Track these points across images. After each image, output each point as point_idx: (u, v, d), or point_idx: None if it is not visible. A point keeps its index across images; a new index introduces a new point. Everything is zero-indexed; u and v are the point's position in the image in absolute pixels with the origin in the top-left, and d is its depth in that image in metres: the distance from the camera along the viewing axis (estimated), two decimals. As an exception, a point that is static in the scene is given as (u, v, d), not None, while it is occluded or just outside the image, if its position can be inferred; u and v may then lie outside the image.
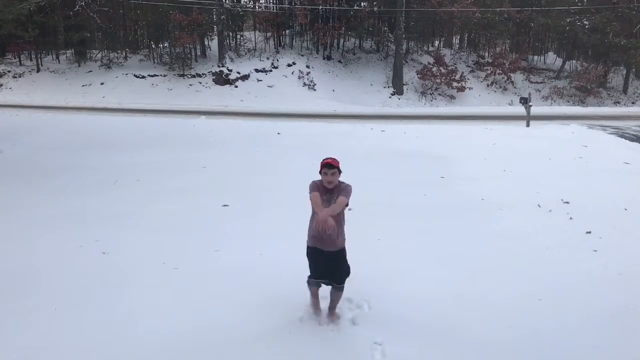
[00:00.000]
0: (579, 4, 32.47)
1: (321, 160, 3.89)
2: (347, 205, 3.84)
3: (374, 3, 30.59)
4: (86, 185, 8.64)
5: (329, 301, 4.21)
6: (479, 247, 5.86)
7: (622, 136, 14.77)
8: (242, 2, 33.65)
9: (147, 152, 11.62)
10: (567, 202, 7.55)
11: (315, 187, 3.92)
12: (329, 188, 3.87)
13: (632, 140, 14.06)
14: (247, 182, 8.92)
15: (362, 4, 30.15)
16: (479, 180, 8.96)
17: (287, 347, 3.86)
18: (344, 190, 3.84)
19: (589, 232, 6.30)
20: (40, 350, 3.80)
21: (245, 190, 8.31)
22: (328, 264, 3.99)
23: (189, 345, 3.87)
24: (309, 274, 4.15)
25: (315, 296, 4.26)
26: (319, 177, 3.93)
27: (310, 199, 3.87)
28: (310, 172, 9.32)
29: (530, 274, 5.14)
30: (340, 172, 3.87)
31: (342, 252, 4.01)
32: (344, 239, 4.01)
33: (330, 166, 3.81)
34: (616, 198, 7.82)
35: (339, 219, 3.89)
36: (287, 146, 12.39)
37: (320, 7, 28.39)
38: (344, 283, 4.08)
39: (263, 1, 34.86)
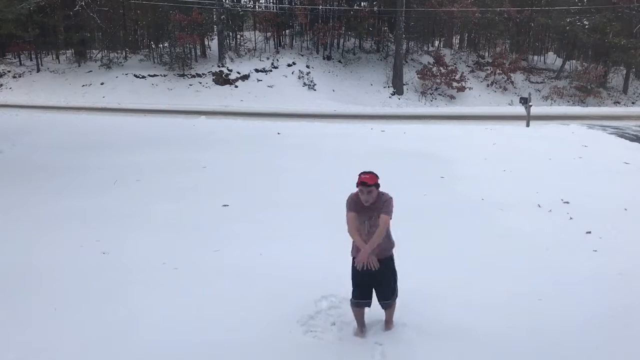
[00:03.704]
0: (579, 4, 32.46)
1: (358, 173, 3.64)
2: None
3: (374, 3, 30.58)
4: (86, 185, 8.64)
5: (384, 319, 4.08)
6: (479, 247, 5.86)
7: (622, 136, 14.76)
8: (242, 2, 33.65)
9: (147, 152, 11.61)
10: (567, 202, 7.55)
11: (353, 204, 3.66)
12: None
13: (632, 140, 14.05)
14: (247, 182, 8.92)
15: (362, 4, 30.13)
16: (479, 180, 8.95)
17: (287, 347, 3.86)
18: (385, 205, 3.60)
19: (589, 232, 6.30)
20: (40, 350, 3.80)
21: (245, 190, 8.30)
22: (374, 275, 3.72)
23: (188, 345, 3.87)
24: (352, 296, 3.87)
25: (361, 324, 4.01)
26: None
27: (347, 223, 3.67)
28: (309, 172, 9.35)
29: (530, 274, 5.14)
30: (378, 186, 3.63)
31: (389, 260, 3.83)
32: (391, 245, 3.85)
33: (365, 184, 3.53)
34: (616, 198, 7.82)
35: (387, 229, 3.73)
36: (287, 146, 12.38)
37: (320, 7, 28.39)
38: (393, 297, 3.91)
39: (263, 1, 34.89)
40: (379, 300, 3.92)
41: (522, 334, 4.03)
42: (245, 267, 5.25)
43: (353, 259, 3.83)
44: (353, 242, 3.79)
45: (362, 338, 3.98)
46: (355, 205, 3.66)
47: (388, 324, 4.08)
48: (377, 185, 3.62)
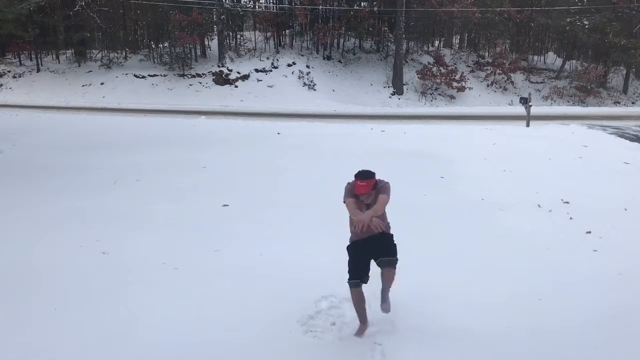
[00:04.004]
0: (579, 4, 32.45)
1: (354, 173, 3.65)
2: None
3: (374, 3, 30.58)
4: (86, 185, 8.64)
5: (381, 288, 3.99)
6: (479, 247, 5.86)
7: (622, 136, 14.76)
8: (242, 2, 33.65)
9: (147, 152, 11.61)
10: (567, 202, 7.55)
11: (351, 191, 3.68)
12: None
13: (632, 140, 14.05)
14: (247, 182, 8.92)
15: (362, 4, 30.13)
16: (479, 180, 8.95)
17: (287, 347, 3.86)
18: (382, 188, 3.63)
19: (589, 232, 6.30)
20: (40, 350, 3.80)
21: (245, 190, 8.30)
22: (373, 246, 3.75)
23: (188, 345, 3.87)
24: (349, 277, 3.85)
25: (361, 308, 3.94)
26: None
27: (347, 208, 3.68)
28: (309, 172, 9.34)
29: (530, 274, 5.14)
30: (375, 184, 3.62)
31: (388, 234, 3.82)
32: (388, 226, 3.87)
33: (364, 194, 3.59)
34: (616, 198, 7.82)
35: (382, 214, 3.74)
36: (287, 146, 12.38)
37: (320, 7, 28.40)
38: (395, 256, 3.82)
39: (263, 1, 34.88)
40: (381, 258, 3.82)
41: (522, 334, 4.03)
42: (245, 267, 5.25)
43: (348, 245, 3.89)
44: (351, 232, 3.83)
45: (361, 338, 3.96)
46: (353, 194, 3.69)
47: (385, 301, 4.00)
48: (375, 185, 3.63)
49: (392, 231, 3.95)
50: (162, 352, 3.80)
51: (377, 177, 3.68)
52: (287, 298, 4.49)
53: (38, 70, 29.71)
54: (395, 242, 3.90)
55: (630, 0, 28.32)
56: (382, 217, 3.77)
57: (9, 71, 29.49)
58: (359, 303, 3.93)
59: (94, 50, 31.32)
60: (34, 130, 15.05)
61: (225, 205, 7.43)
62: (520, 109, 18.68)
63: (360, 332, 4.01)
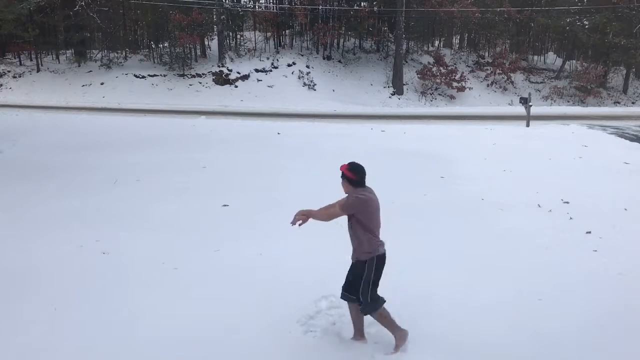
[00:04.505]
0: (579, 4, 32.46)
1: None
2: (353, 214, 3.59)
3: (374, 3, 30.56)
4: (86, 185, 8.64)
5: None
6: (479, 247, 5.86)
7: (622, 136, 14.77)
8: (242, 2, 33.64)
9: (147, 152, 11.62)
10: (567, 202, 7.55)
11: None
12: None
13: (632, 140, 14.05)
14: (247, 182, 8.93)
15: (362, 4, 30.10)
16: (479, 180, 8.96)
17: (287, 347, 3.86)
18: (344, 199, 3.67)
19: (589, 232, 6.30)
20: (40, 350, 3.81)
21: (245, 190, 8.31)
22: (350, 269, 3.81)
23: (188, 345, 3.87)
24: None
25: (355, 328, 3.94)
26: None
27: None
28: (309, 172, 9.34)
29: (530, 274, 5.14)
30: (348, 180, 3.68)
31: (355, 264, 3.70)
32: (361, 252, 3.65)
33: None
34: (616, 198, 7.82)
35: (354, 231, 3.65)
36: (287, 146, 12.39)
37: (320, 7, 28.40)
38: (349, 293, 3.73)
39: (263, 1, 34.89)
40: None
41: (522, 333, 4.03)
42: (245, 267, 5.25)
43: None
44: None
45: (358, 341, 3.92)
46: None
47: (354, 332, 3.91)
48: (348, 179, 3.69)
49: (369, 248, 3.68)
50: (162, 352, 3.80)
51: (368, 186, 3.74)
52: (287, 298, 4.49)
53: (38, 70, 29.69)
54: (359, 282, 3.65)
55: (630, 0, 28.31)
56: (359, 242, 3.62)
57: (9, 71, 29.46)
58: (352, 314, 3.90)
59: (94, 50, 31.30)
60: (34, 130, 15.05)
61: (225, 205, 7.43)
62: (520, 109, 18.68)
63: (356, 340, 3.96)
